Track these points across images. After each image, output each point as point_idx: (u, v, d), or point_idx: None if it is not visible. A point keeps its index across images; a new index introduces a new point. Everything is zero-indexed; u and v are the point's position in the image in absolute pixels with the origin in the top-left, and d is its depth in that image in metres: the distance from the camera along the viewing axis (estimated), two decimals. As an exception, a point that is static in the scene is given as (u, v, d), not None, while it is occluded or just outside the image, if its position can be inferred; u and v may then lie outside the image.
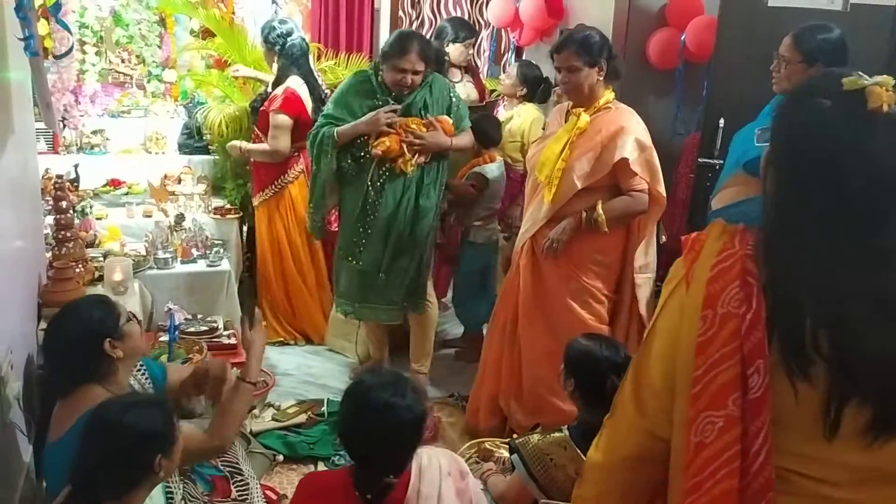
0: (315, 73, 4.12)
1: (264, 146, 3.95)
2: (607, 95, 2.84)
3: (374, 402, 1.76)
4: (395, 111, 3.22)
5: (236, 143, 4.17)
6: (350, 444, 1.82)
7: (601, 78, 2.80)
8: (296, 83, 3.93)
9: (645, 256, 2.94)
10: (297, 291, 4.13)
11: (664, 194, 2.85)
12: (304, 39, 4.06)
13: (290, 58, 3.94)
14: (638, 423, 1.27)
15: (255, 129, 4.07)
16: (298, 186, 4.06)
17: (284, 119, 3.87)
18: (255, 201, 4.12)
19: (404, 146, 3.22)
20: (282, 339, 4.09)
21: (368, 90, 3.30)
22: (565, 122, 2.91)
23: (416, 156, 3.26)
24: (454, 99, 3.41)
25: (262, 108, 4.01)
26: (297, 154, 4.02)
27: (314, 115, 3.99)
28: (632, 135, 2.76)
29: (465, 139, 3.47)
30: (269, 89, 4.04)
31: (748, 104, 3.16)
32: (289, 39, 3.93)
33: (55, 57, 3.70)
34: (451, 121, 3.34)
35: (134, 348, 2.12)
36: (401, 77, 3.19)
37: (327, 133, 3.28)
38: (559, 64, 2.82)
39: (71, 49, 3.78)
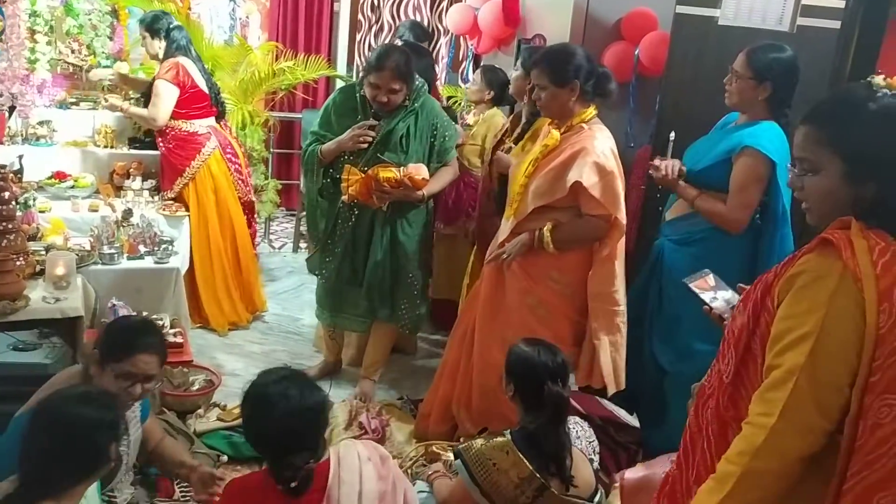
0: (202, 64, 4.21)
1: (143, 110, 4.03)
2: (583, 115, 2.74)
3: (270, 394, 1.86)
4: (373, 127, 3.13)
5: (116, 101, 4.18)
6: (259, 441, 1.92)
7: (574, 98, 2.72)
8: (183, 60, 4.00)
9: (602, 284, 2.79)
10: (231, 270, 4.18)
11: (623, 221, 2.74)
12: (187, 31, 4.16)
13: (174, 42, 4.01)
14: (817, 422, 1.32)
15: None
16: (216, 162, 4.11)
17: (166, 86, 3.93)
18: (173, 190, 4.09)
19: (374, 196, 3.14)
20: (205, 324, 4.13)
21: (351, 107, 3.24)
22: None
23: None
24: (440, 129, 3.25)
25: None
26: (207, 132, 4.09)
27: (210, 91, 4.10)
28: (591, 157, 2.65)
29: (445, 178, 3.32)
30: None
31: (698, 119, 3.24)
32: (171, 28, 4.03)
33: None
34: (424, 174, 3.14)
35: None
36: (375, 94, 3.10)
37: (312, 151, 3.25)
38: (532, 80, 2.78)
39: (3, 31, 3.72)
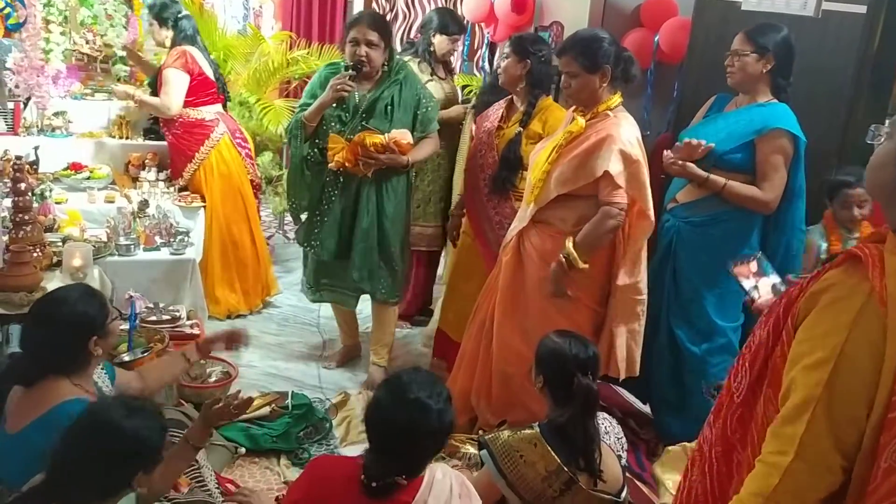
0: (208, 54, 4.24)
1: (156, 99, 4.03)
2: (609, 102, 2.70)
3: (411, 397, 1.75)
4: (352, 78, 3.13)
5: (128, 88, 4.20)
6: (375, 430, 1.81)
7: (605, 84, 2.67)
8: (189, 48, 4.01)
9: (631, 276, 2.76)
10: (243, 254, 4.21)
11: (650, 210, 2.68)
12: (194, 20, 4.17)
13: (181, 32, 4.01)
14: (835, 461, 1.18)
15: None
16: (227, 148, 4.13)
17: (177, 73, 3.93)
18: (184, 178, 4.11)
19: (360, 163, 3.17)
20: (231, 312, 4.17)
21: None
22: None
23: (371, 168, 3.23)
24: (423, 100, 3.31)
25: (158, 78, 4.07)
26: (215, 118, 4.10)
27: (215, 80, 4.12)
28: (616, 146, 2.60)
29: (427, 149, 3.36)
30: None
31: (719, 105, 3.20)
32: (180, 18, 4.02)
33: (9, 28, 3.63)
34: (409, 139, 3.21)
35: (111, 346, 2.23)
36: (354, 49, 3.16)
37: (297, 119, 3.29)
38: (561, 68, 2.72)
39: (25, 21, 3.71)
